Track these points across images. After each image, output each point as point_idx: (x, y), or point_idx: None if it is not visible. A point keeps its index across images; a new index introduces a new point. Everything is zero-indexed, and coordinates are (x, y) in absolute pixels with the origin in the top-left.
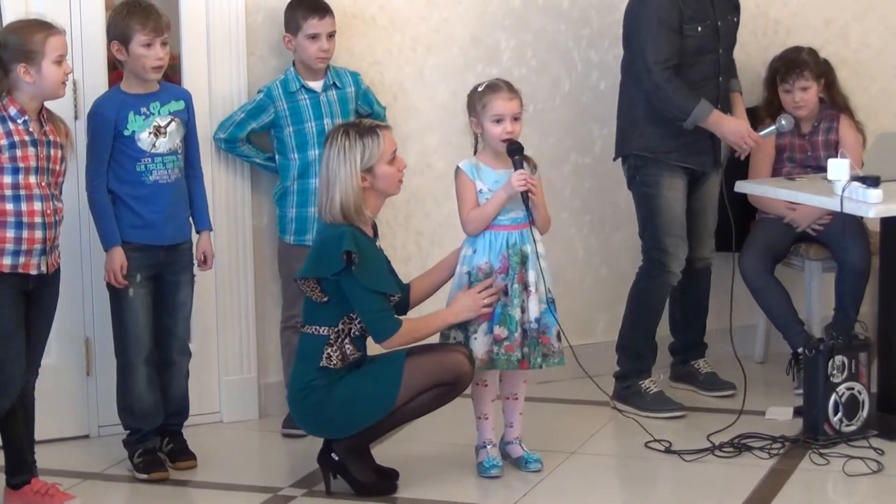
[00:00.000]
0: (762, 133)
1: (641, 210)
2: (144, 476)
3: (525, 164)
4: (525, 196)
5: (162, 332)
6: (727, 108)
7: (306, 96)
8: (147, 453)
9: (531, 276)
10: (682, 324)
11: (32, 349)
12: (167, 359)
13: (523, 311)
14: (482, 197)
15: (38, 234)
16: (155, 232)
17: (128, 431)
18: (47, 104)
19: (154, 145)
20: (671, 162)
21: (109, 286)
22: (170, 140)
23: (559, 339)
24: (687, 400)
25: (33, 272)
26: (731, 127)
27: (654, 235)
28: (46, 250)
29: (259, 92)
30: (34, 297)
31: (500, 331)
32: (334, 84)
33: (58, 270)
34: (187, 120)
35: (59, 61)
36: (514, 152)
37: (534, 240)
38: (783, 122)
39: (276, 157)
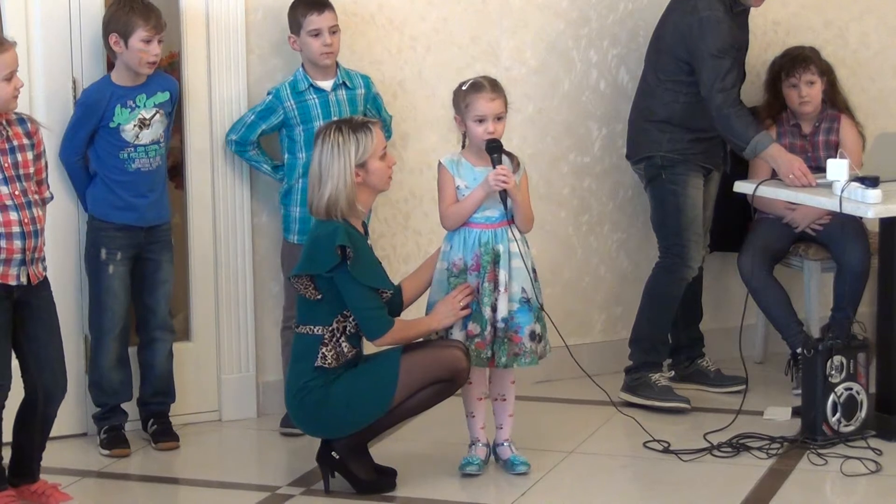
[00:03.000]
0: (819, 182)
1: (664, 208)
2: (106, 452)
3: (509, 163)
4: (503, 194)
5: (144, 311)
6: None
7: (315, 96)
8: (112, 430)
9: (502, 276)
10: (682, 322)
11: (48, 363)
12: (150, 337)
13: (494, 309)
14: (460, 193)
15: (17, 243)
16: (137, 214)
17: (98, 408)
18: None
19: (138, 136)
20: (697, 163)
21: (88, 265)
22: (153, 131)
23: (532, 339)
24: (690, 399)
25: (12, 283)
26: (788, 158)
27: (677, 232)
28: (27, 260)
29: (268, 94)
30: (27, 311)
31: (472, 327)
32: (344, 84)
33: (44, 282)
34: (171, 111)
35: (10, 77)
36: (493, 150)
37: (509, 239)
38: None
39: (286, 155)
